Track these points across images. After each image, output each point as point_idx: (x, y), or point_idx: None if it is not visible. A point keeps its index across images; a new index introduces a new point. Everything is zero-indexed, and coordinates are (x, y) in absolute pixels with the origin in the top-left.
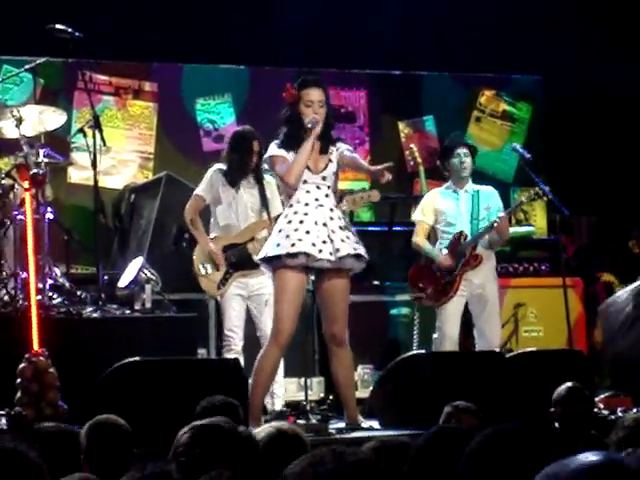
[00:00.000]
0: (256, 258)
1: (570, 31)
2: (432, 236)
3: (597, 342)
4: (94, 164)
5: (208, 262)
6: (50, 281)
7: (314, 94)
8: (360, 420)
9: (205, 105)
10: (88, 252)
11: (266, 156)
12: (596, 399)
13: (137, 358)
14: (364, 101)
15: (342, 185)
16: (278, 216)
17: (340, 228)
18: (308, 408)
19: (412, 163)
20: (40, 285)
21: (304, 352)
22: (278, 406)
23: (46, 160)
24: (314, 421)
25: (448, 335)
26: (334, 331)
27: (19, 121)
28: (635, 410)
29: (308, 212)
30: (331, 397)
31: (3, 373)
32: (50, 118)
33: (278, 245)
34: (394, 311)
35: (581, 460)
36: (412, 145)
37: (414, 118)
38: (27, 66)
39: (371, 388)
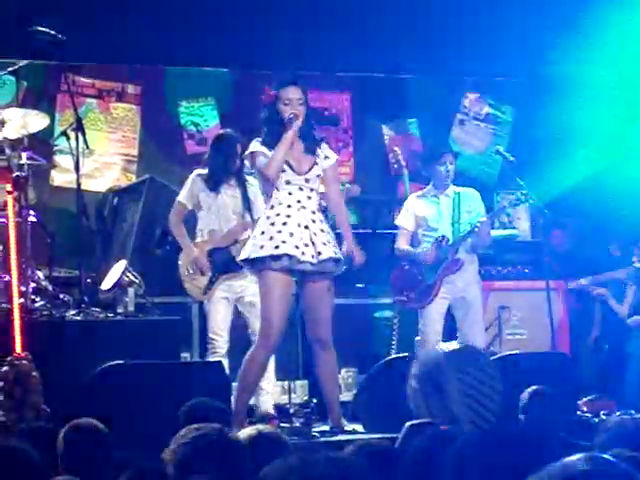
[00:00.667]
0: (238, 259)
1: (554, 34)
2: (415, 241)
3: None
4: (77, 167)
5: (193, 267)
6: (33, 284)
7: (292, 92)
8: (344, 423)
9: (188, 108)
10: (71, 255)
11: (247, 153)
12: (579, 402)
13: (120, 361)
14: (348, 104)
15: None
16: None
17: (321, 231)
18: (292, 411)
19: (396, 166)
20: (23, 288)
21: (288, 355)
22: (267, 404)
23: (29, 163)
24: (297, 424)
25: (431, 337)
26: (319, 334)
27: (1, 124)
28: (618, 413)
29: (290, 214)
30: (315, 400)
31: None
32: (33, 121)
33: (262, 247)
34: (378, 314)
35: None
36: (396, 148)
37: (398, 121)
38: (10, 69)
39: (354, 391)
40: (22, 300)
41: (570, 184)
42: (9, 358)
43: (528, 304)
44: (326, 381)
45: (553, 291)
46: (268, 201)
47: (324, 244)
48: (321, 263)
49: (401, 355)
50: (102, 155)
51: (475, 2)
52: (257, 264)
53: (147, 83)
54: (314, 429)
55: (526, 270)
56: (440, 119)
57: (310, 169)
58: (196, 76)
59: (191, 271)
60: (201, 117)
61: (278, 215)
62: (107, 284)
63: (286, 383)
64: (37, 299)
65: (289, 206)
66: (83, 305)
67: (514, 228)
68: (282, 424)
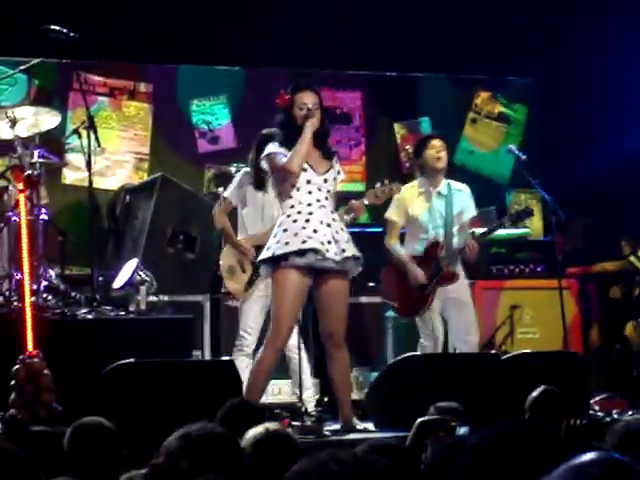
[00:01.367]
0: (258, 259)
1: (566, 32)
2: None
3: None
4: (89, 165)
5: (235, 264)
6: (45, 282)
7: (307, 97)
8: (355, 422)
9: (200, 106)
10: (83, 253)
11: (265, 154)
12: (591, 401)
13: (132, 360)
14: (360, 102)
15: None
16: None
17: (342, 230)
18: (303, 410)
19: (408, 165)
20: (35, 286)
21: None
22: (308, 408)
23: (41, 161)
24: (309, 423)
25: (435, 340)
26: (333, 331)
27: (13, 122)
28: (630, 413)
29: (312, 212)
30: (326, 399)
31: None
32: (45, 119)
33: (287, 243)
34: (390, 313)
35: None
36: (408, 147)
37: (410, 119)
38: (22, 67)
39: (366, 390)
40: (34, 298)
41: (583, 182)
42: (21, 356)
43: (540, 303)
44: (338, 380)
45: (565, 290)
46: (286, 202)
47: (347, 242)
48: (344, 261)
49: (413, 354)
50: (114, 153)
51: (487, 0)
52: (279, 261)
53: (159, 81)
54: (325, 428)
55: (538, 269)
56: (452, 118)
57: (327, 171)
58: (208, 74)
59: (233, 268)
60: (213, 115)
61: (299, 213)
62: (119, 282)
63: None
64: (49, 297)
65: (309, 204)
66: (95, 303)
67: (526, 227)
68: (293, 423)
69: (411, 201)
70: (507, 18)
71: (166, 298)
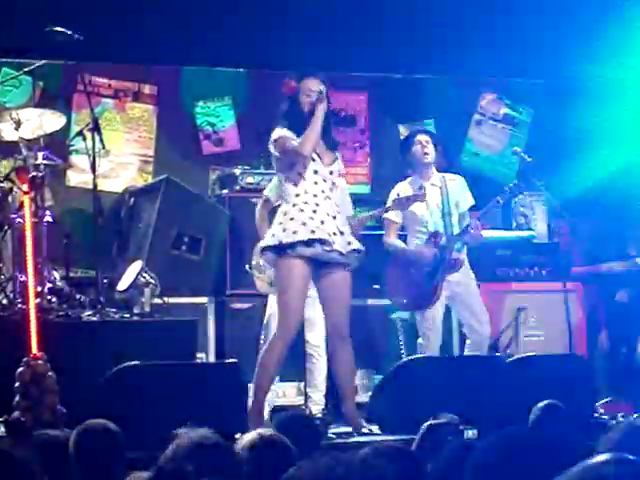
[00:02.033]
0: (261, 244)
1: (571, 34)
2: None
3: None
4: (93, 167)
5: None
6: (49, 284)
7: (313, 83)
8: (361, 422)
9: (205, 108)
10: (87, 255)
11: (272, 138)
12: (597, 404)
13: (136, 362)
14: (364, 104)
15: None
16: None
17: (346, 223)
18: (307, 412)
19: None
20: (39, 288)
21: (304, 356)
22: (315, 411)
23: (45, 163)
24: None
25: (434, 339)
26: (337, 322)
27: (18, 124)
28: (636, 416)
29: (319, 203)
30: (330, 401)
31: (1, 377)
32: (49, 120)
33: (295, 232)
34: (394, 315)
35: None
36: None
37: (415, 122)
38: (26, 69)
39: (370, 392)
40: (38, 300)
41: (588, 184)
42: (25, 359)
43: (545, 306)
44: (343, 373)
45: (570, 292)
46: (290, 189)
47: (351, 234)
48: (349, 253)
49: (417, 356)
50: (118, 155)
51: (492, 2)
52: (285, 250)
53: (163, 83)
54: (330, 430)
55: (543, 271)
56: (457, 120)
57: (332, 162)
58: (212, 76)
59: (261, 264)
60: (217, 117)
61: (306, 203)
62: (123, 285)
63: (302, 384)
64: (53, 299)
65: (315, 195)
66: (99, 306)
67: (531, 229)
68: None
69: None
70: (512, 19)
71: (170, 300)
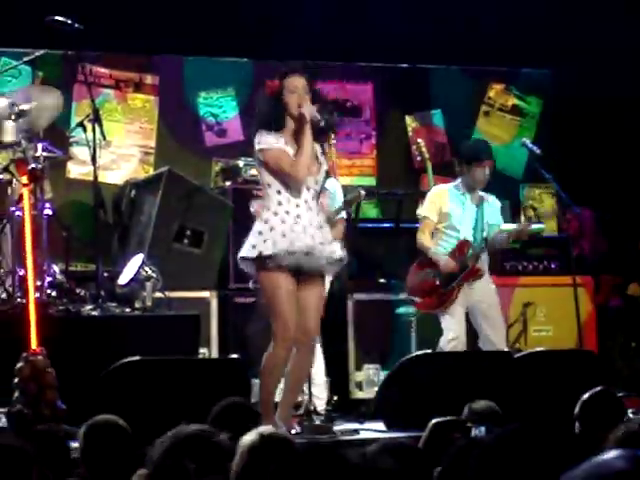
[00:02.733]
0: (240, 255)
1: (579, 24)
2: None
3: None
4: (94, 159)
5: None
6: (49, 279)
7: (298, 80)
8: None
9: (207, 99)
10: (87, 249)
11: (260, 146)
12: None
13: (137, 357)
14: (370, 95)
15: (347, 180)
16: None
17: (328, 231)
18: (312, 409)
19: (419, 158)
20: (38, 282)
21: None
22: (319, 407)
23: (45, 154)
24: (318, 422)
25: (458, 337)
26: (310, 329)
27: (17, 115)
28: None
29: (300, 214)
30: (335, 398)
31: (1, 373)
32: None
33: (274, 243)
34: (400, 310)
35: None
36: (419, 140)
37: (422, 112)
38: (26, 58)
39: (376, 388)
40: (38, 295)
41: (599, 177)
42: (24, 354)
43: (554, 300)
44: (296, 379)
45: (580, 287)
46: (272, 196)
47: (331, 244)
48: (333, 263)
49: (424, 352)
50: (119, 147)
51: None
52: (265, 262)
53: (165, 73)
54: (335, 427)
55: (552, 265)
56: (465, 110)
57: (318, 170)
58: (215, 66)
59: None
60: (220, 108)
61: (287, 213)
62: (124, 278)
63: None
64: (53, 294)
65: (297, 205)
66: (100, 300)
67: (540, 223)
68: (303, 422)
69: (444, 200)
70: (521, 8)
71: (172, 294)
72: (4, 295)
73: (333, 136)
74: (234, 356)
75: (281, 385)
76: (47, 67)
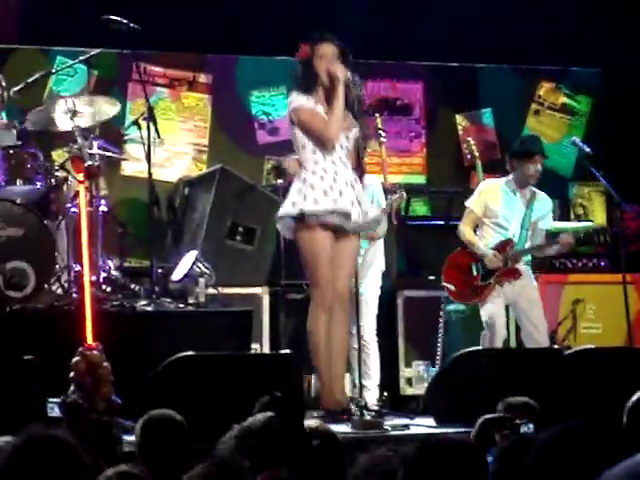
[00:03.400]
0: (279, 214)
1: (630, 23)
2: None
3: None
4: (148, 156)
5: None
6: (103, 274)
7: (327, 47)
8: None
9: (260, 97)
10: (142, 245)
11: (292, 105)
12: None
13: (190, 352)
14: (420, 94)
15: (396, 178)
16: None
17: (362, 190)
18: (363, 404)
19: (469, 156)
20: (94, 278)
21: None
22: (370, 400)
23: (100, 152)
24: (369, 417)
25: (498, 332)
26: (343, 288)
27: (74, 112)
28: None
29: (337, 171)
30: (386, 393)
31: (56, 367)
32: (104, 108)
33: (315, 201)
34: (450, 307)
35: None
36: (469, 138)
37: (471, 111)
38: (81, 57)
39: (426, 384)
40: (93, 290)
41: None
42: (80, 348)
43: (603, 298)
44: (338, 342)
45: (630, 284)
46: (308, 156)
47: (367, 202)
48: (367, 223)
49: (475, 349)
50: (173, 145)
51: None
52: (306, 220)
53: (218, 72)
54: (386, 422)
55: (602, 263)
56: (515, 109)
57: (349, 129)
58: (268, 65)
59: None
60: (272, 106)
61: (325, 171)
62: (178, 274)
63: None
64: (108, 289)
65: (334, 162)
66: (154, 295)
67: (590, 220)
68: (353, 417)
69: (493, 195)
70: (571, 6)
71: (225, 290)
72: (60, 290)
73: (384, 135)
74: (286, 351)
75: None
76: (102, 66)
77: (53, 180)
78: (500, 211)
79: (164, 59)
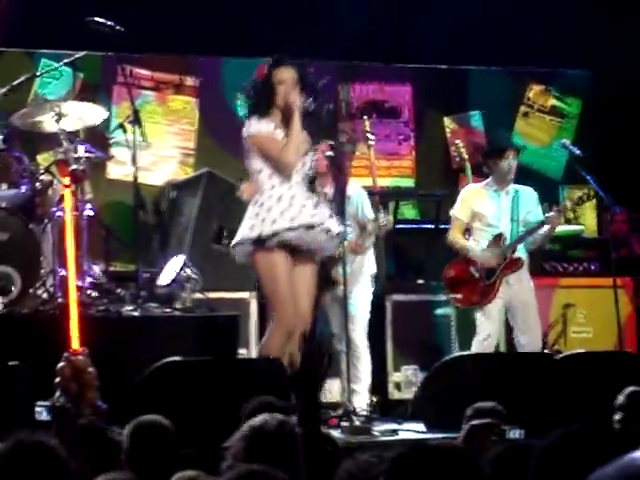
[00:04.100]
0: (235, 241)
1: (621, 24)
2: (469, 232)
3: None
4: (134, 160)
5: None
6: (89, 279)
7: (285, 72)
8: None
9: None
10: (128, 249)
11: (249, 132)
12: None
13: (177, 358)
14: (409, 96)
15: (386, 182)
16: None
17: (324, 209)
18: (352, 409)
19: (458, 159)
20: (79, 283)
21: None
22: (362, 405)
23: (86, 156)
24: (358, 423)
25: (492, 336)
26: (303, 310)
27: (59, 116)
28: None
29: (294, 194)
30: (374, 399)
31: (42, 372)
32: (90, 114)
33: (274, 222)
34: (439, 311)
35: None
36: (458, 141)
37: (460, 113)
38: (66, 60)
39: (415, 389)
40: (78, 295)
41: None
42: (66, 354)
43: (594, 302)
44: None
45: (620, 288)
46: (264, 181)
47: (329, 218)
48: (333, 237)
49: (463, 353)
50: (159, 148)
51: None
52: (265, 242)
53: (205, 75)
54: (375, 428)
55: (592, 267)
56: (504, 111)
57: (306, 152)
58: (255, 67)
59: None
60: None
61: (281, 194)
62: (164, 279)
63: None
64: (93, 294)
65: (290, 187)
66: (140, 300)
67: (580, 224)
68: (342, 423)
69: (477, 199)
70: (560, 8)
71: (212, 295)
72: (45, 295)
73: (372, 137)
74: (274, 356)
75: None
76: (87, 69)
77: (38, 184)
78: (488, 211)
79: (150, 61)
